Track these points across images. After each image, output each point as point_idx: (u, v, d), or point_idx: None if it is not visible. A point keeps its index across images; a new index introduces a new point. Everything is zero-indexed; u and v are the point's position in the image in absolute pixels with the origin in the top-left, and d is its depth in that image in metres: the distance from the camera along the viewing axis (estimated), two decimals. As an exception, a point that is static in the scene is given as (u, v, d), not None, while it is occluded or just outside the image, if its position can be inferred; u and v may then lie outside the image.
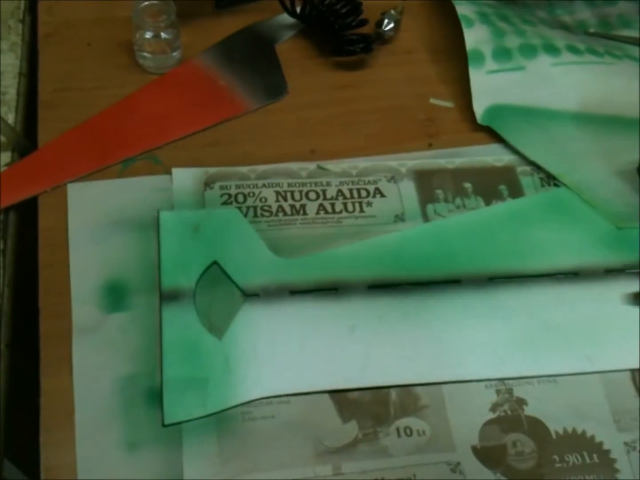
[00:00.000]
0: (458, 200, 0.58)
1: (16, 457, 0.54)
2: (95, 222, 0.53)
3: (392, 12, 0.66)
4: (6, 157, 0.56)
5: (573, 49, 0.66)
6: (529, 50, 0.65)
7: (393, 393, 0.50)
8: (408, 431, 0.48)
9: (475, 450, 0.48)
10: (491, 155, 0.61)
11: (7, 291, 0.51)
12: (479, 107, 0.63)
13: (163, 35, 0.60)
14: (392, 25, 0.65)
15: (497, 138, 0.62)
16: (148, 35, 0.59)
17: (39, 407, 0.47)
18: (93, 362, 0.48)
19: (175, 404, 0.47)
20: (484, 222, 0.57)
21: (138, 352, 0.49)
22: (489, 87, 0.64)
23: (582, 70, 0.65)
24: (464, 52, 0.64)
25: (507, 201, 0.58)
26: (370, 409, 0.49)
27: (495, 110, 0.63)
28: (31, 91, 0.62)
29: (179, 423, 0.46)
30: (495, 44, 0.65)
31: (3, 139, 0.56)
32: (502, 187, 0.59)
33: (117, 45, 0.63)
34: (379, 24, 0.65)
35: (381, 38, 0.65)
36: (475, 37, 0.65)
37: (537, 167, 0.61)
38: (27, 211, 0.55)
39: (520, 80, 0.65)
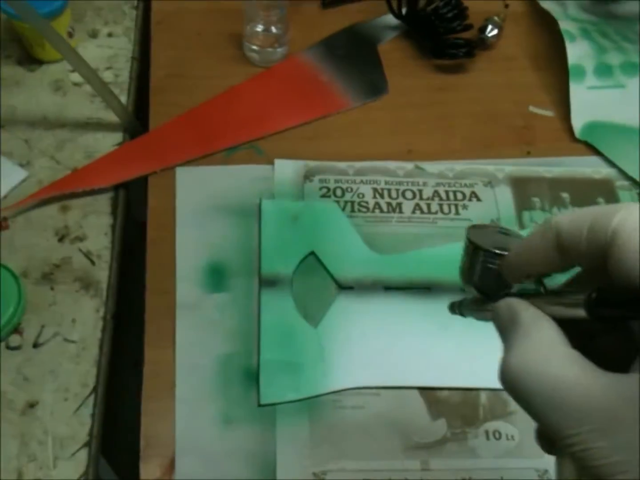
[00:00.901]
0: (555, 210, 0.58)
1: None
2: (201, 205, 0.55)
3: (496, 18, 0.66)
4: (118, 136, 0.59)
5: (674, 67, 0.66)
6: (630, 68, 0.65)
7: (483, 395, 0.50)
8: (497, 435, 0.48)
9: (563, 459, 0.48)
10: (590, 167, 0.61)
11: (115, 265, 0.53)
12: (578, 122, 0.63)
13: (273, 29, 0.61)
14: (495, 31, 0.65)
15: (596, 150, 0.62)
16: (259, 28, 0.61)
17: (130, 385, 0.49)
18: (194, 338, 0.50)
19: (271, 386, 0.48)
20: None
21: (236, 333, 0.50)
22: (588, 103, 0.64)
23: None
24: (564, 62, 0.64)
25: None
26: (459, 410, 0.49)
27: (594, 127, 0.63)
28: (142, 76, 0.64)
29: (274, 404, 0.48)
30: (597, 60, 0.65)
31: (116, 118, 0.59)
32: (600, 200, 0.59)
33: (226, 37, 0.65)
34: (482, 29, 0.66)
35: (483, 44, 0.66)
36: (577, 52, 0.64)
37: (636, 183, 0.60)
38: (136, 189, 0.57)
39: (620, 98, 0.64)
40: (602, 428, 0.23)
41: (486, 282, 0.32)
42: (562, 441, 0.24)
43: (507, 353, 0.26)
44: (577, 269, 0.29)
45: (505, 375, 0.26)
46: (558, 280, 0.30)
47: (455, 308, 0.36)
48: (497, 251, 0.31)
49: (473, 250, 0.32)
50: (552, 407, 0.24)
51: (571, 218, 0.26)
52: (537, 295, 0.29)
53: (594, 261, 0.26)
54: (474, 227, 0.35)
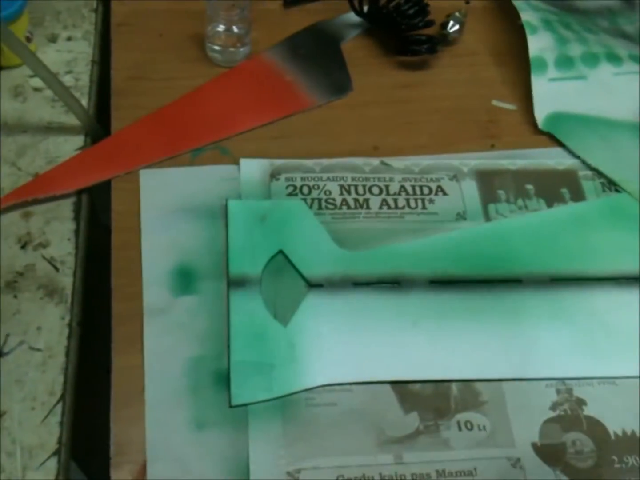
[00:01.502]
0: (520, 202, 0.59)
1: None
2: (166, 207, 0.55)
3: (457, 14, 0.67)
4: (79, 140, 0.58)
5: (635, 58, 0.67)
6: (591, 59, 0.66)
7: (454, 387, 0.50)
8: (469, 425, 0.49)
9: (535, 447, 0.48)
10: (553, 159, 0.61)
11: (79, 271, 0.52)
12: (540, 114, 0.63)
13: (235, 29, 0.61)
14: (457, 27, 0.66)
15: (559, 141, 0.62)
16: (220, 28, 0.61)
17: (100, 390, 0.48)
18: (163, 342, 0.49)
19: (242, 387, 0.48)
20: (546, 223, 0.57)
21: (206, 335, 0.50)
22: (550, 95, 0.64)
23: (642, 81, 0.66)
24: (526, 56, 0.64)
25: (570, 204, 0.59)
26: (431, 402, 0.49)
27: (557, 118, 0.64)
28: (103, 79, 0.64)
29: (245, 405, 0.47)
30: (558, 52, 0.65)
31: (78, 122, 0.58)
32: (564, 190, 0.60)
33: (188, 38, 0.64)
34: (444, 25, 0.66)
35: (446, 39, 0.66)
36: (538, 44, 0.65)
37: (599, 173, 0.61)
38: (102, 192, 0.57)
39: (582, 89, 0.65)
40: None
41: None
42: None
43: None
44: None
45: None
46: None
47: None
48: None
49: None
50: None
51: None
52: None
53: None
54: None
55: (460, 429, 0.49)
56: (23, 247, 0.52)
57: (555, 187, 0.60)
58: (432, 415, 0.49)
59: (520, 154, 0.61)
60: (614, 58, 0.66)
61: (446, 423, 0.49)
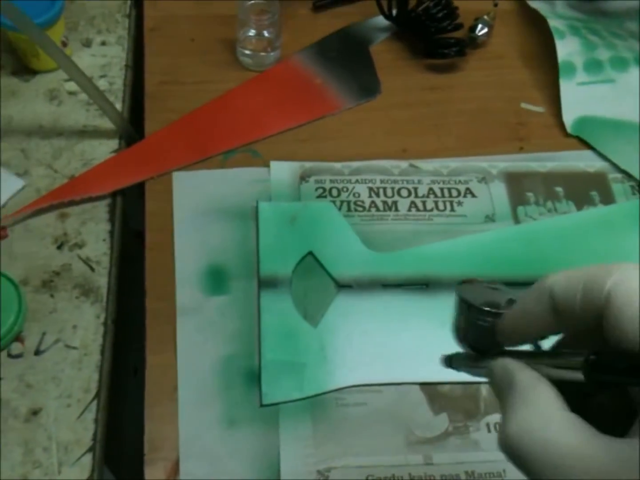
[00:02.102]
0: (549, 204, 0.59)
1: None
2: (198, 209, 0.56)
3: (486, 17, 0.67)
4: (114, 143, 0.59)
5: (664, 62, 0.66)
6: (619, 63, 0.66)
7: (483, 389, 0.50)
8: (498, 427, 0.49)
9: (565, 450, 0.48)
10: (583, 161, 0.61)
11: (114, 270, 0.53)
12: (569, 117, 0.63)
13: (265, 33, 0.62)
14: (485, 30, 0.66)
15: (589, 144, 0.62)
16: (251, 33, 0.62)
17: (129, 391, 0.49)
18: (195, 341, 0.50)
19: (273, 386, 0.48)
20: (576, 226, 0.57)
21: (237, 334, 0.51)
22: (579, 99, 0.64)
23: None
24: (554, 59, 0.64)
25: (599, 207, 0.58)
26: (460, 403, 0.50)
27: (585, 122, 0.64)
28: (136, 83, 0.65)
29: (276, 404, 0.48)
30: (587, 56, 0.65)
31: (112, 126, 0.59)
32: (594, 193, 0.59)
33: (219, 42, 0.65)
34: (473, 28, 0.66)
35: (474, 42, 0.66)
36: (566, 48, 0.65)
37: (629, 175, 0.61)
38: (132, 197, 0.58)
39: (610, 92, 0.65)
40: None
41: (480, 340, 0.31)
42: None
43: (505, 420, 0.26)
44: None
45: (505, 442, 0.25)
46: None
47: (448, 362, 0.35)
48: (489, 309, 0.30)
49: (465, 308, 0.32)
50: (552, 473, 0.24)
51: (565, 280, 0.26)
52: (532, 355, 0.29)
53: (589, 323, 0.25)
54: (463, 283, 0.34)
55: (489, 430, 0.49)
56: (59, 247, 0.54)
57: (584, 190, 0.60)
58: (462, 417, 0.49)
59: (550, 156, 0.61)
60: (642, 62, 0.66)
61: (475, 424, 0.49)
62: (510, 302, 0.30)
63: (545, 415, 0.25)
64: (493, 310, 0.30)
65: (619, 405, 0.27)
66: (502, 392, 0.27)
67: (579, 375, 0.25)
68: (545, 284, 0.27)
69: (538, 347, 0.29)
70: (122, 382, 0.57)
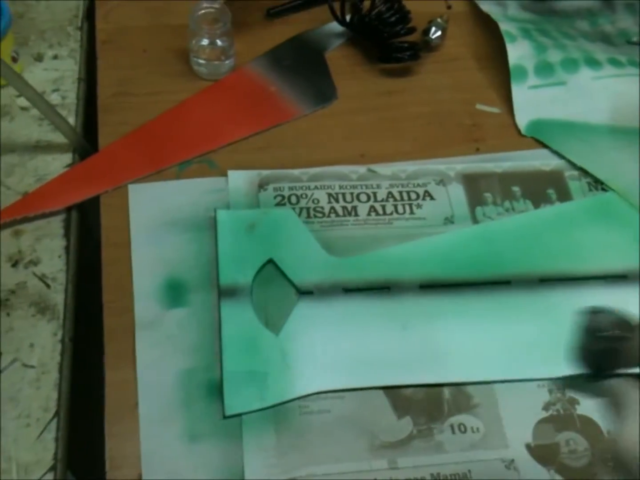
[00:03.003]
0: (507, 204, 0.59)
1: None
2: (155, 221, 0.55)
3: (439, 20, 0.67)
4: (67, 158, 0.58)
5: (614, 62, 0.67)
6: (570, 65, 0.66)
7: (446, 391, 0.50)
8: (462, 428, 0.49)
9: (529, 448, 0.48)
10: (539, 160, 0.62)
11: (71, 287, 0.53)
12: (522, 121, 0.64)
13: (218, 42, 0.61)
14: (439, 33, 0.67)
15: (544, 143, 0.63)
16: (204, 42, 0.61)
17: (98, 403, 0.48)
18: (155, 356, 0.50)
19: (235, 396, 0.48)
20: (533, 224, 0.58)
21: (197, 347, 0.50)
22: (531, 102, 0.65)
23: (620, 83, 0.66)
24: (508, 60, 0.65)
25: (556, 205, 0.59)
26: (423, 406, 0.50)
27: (539, 124, 0.64)
28: (89, 96, 0.64)
29: (239, 415, 0.48)
30: (538, 59, 0.66)
31: (65, 140, 0.58)
32: (551, 191, 0.60)
33: (172, 52, 0.65)
34: (426, 32, 0.67)
35: (428, 46, 0.67)
36: (517, 52, 0.66)
37: (585, 172, 0.61)
38: (89, 211, 0.57)
39: (561, 95, 0.66)
40: None
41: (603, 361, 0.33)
42: None
43: (626, 427, 0.27)
44: None
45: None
46: None
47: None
48: (620, 333, 0.32)
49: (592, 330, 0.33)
50: None
51: None
52: None
53: None
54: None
55: (453, 432, 0.49)
56: (14, 265, 0.53)
57: (541, 188, 0.60)
58: (425, 419, 0.49)
59: (506, 156, 0.62)
60: (593, 62, 0.67)
61: (439, 426, 0.49)
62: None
63: None
64: (624, 335, 0.31)
65: None
66: (622, 405, 0.29)
67: None
68: None
69: None
70: (93, 398, 0.56)
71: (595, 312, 0.35)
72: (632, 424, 0.28)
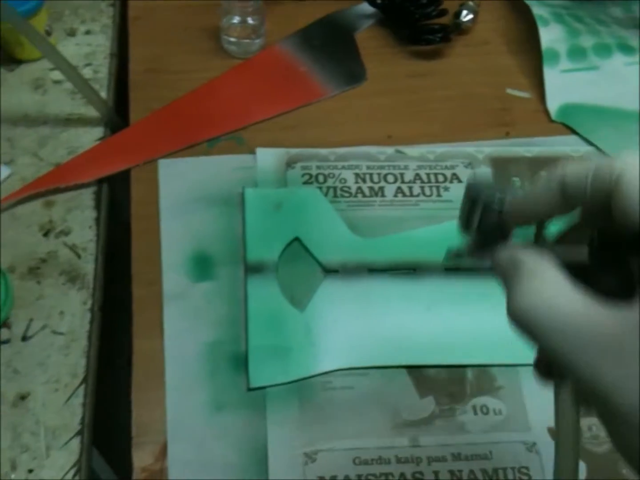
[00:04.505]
0: (534, 188, 0.59)
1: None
2: (184, 196, 0.56)
3: (471, 3, 0.67)
4: (99, 131, 0.59)
5: (648, 48, 0.66)
6: (603, 50, 0.66)
7: (469, 372, 0.51)
8: (484, 409, 0.49)
9: (551, 431, 0.48)
10: (568, 146, 0.61)
11: (101, 257, 0.53)
12: (553, 105, 0.64)
13: (250, 20, 0.62)
14: (470, 16, 0.66)
15: (573, 129, 0.62)
16: (235, 20, 0.62)
17: (121, 379, 0.49)
18: (182, 327, 0.50)
19: (260, 370, 0.49)
20: (561, 209, 0.58)
21: (223, 320, 0.51)
22: (563, 86, 0.64)
23: (654, 69, 0.65)
24: (539, 45, 0.65)
25: (584, 190, 0.59)
26: (446, 386, 0.50)
27: (569, 109, 0.64)
28: (121, 71, 0.65)
29: (263, 388, 0.48)
30: (570, 43, 0.65)
31: (97, 114, 0.59)
32: (579, 177, 0.60)
33: (203, 30, 0.65)
34: (457, 14, 0.66)
35: (459, 28, 0.66)
36: (550, 36, 0.65)
37: (614, 159, 0.61)
38: (117, 185, 0.58)
39: (594, 79, 0.65)
40: (609, 354, 0.24)
41: (486, 229, 0.32)
42: (569, 367, 0.25)
43: (512, 293, 0.27)
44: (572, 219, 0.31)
45: (514, 312, 0.27)
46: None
47: (454, 254, 0.36)
48: (499, 194, 0.32)
49: (474, 193, 0.32)
50: (563, 338, 0.25)
51: (575, 166, 0.28)
52: (537, 244, 0.30)
53: (596, 206, 0.27)
54: (473, 180, 0.35)
55: (476, 413, 0.49)
56: (45, 234, 0.54)
57: (570, 174, 0.60)
58: (448, 400, 0.49)
59: (536, 141, 0.62)
60: (626, 48, 0.66)
61: (462, 407, 0.49)
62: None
63: (554, 286, 0.26)
64: (502, 196, 0.31)
65: (619, 285, 0.28)
66: (508, 272, 0.29)
67: (583, 253, 0.27)
68: (555, 171, 0.29)
69: (543, 237, 0.31)
70: (116, 368, 0.57)
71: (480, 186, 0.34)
72: (525, 283, 0.27)
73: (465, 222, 0.33)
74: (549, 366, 0.30)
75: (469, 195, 0.33)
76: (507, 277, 0.28)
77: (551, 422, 0.48)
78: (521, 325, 0.27)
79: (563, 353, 0.25)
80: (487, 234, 0.32)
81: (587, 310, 0.25)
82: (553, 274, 0.27)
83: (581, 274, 0.28)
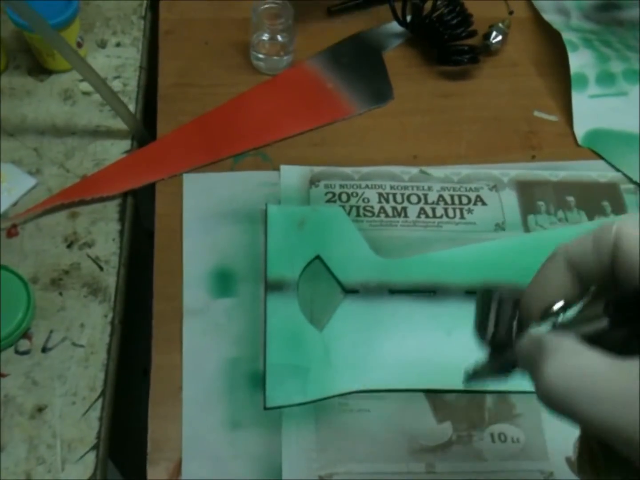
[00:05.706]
0: (560, 213, 0.58)
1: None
2: (208, 211, 0.56)
3: (500, 25, 0.66)
4: (126, 144, 0.60)
5: (678, 75, 0.66)
6: (632, 76, 0.65)
7: (488, 398, 0.50)
8: (502, 437, 0.48)
9: (569, 461, 0.48)
10: (595, 171, 0.61)
11: (123, 270, 0.54)
12: (580, 130, 0.63)
13: (279, 38, 0.62)
14: (499, 38, 0.66)
15: (600, 154, 0.62)
16: (265, 37, 0.62)
17: (138, 392, 0.49)
18: (201, 342, 0.50)
19: (277, 389, 0.48)
20: (586, 236, 0.57)
21: (243, 337, 0.51)
22: (591, 111, 0.64)
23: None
24: (568, 68, 0.64)
25: (611, 217, 0.58)
26: (465, 413, 0.49)
27: (597, 134, 0.63)
28: (149, 84, 0.65)
29: (280, 407, 0.48)
30: (599, 69, 0.65)
31: (125, 126, 0.59)
32: (605, 203, 0.59)
33: (232, 45, 0.66)
34: (487, 36, 0.66)
35: (488, 50, 0.66)
36: (579, 61, 0.65)
37: (640, 186, 0.60)
38: (145, 197, 0.58)
39: (622, 105, 0.65)
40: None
41: (502, 329, 0.32)
42: (614, 431, 0.25)
43: (541, 373, 0.27)
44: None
45: (548, 389, 0.26)
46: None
47: (472, 374, 0.35)
48: (511, 295, 0.32)
49: (488, 294, 0.33)
50: (592, 404, 0.25)
51: (575, 240, 0.29)
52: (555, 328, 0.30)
53: (604, 275, 0.28)
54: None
55: (493, 440, 0.48)
56: (69, 246, 0.54)
57: (596, 200, 0.59)
58: (466, 426, 0.49)
59: (562, 165, 0.61)
60: (656, 75, 0.65)
61: (479, 434, 0.49)
62: None
63: (578, 355, 0.26)
64: (514, 289, 0.32)
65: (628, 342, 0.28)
66: (532, 357, 0.28)
67: (603, 323, 0.28)
68: (557, 249, 0.29)
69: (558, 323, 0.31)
70: (133, 382, 0.58)
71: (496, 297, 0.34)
72: (549, 359, 0.27)
73: (481, 325, 0.33)
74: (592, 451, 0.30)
75: (482, 297, 0.33)
76: (531, 361, 0.28)
77: (569, 452, 0.48)
78: (553, 399, 0.26)
79: (607, 419, 0.25)
80: (504, 337, 0.32)
81: (608, 368, 0.25)
82: (576, 345, 0.27)
83: (599, 339, 0.28)
